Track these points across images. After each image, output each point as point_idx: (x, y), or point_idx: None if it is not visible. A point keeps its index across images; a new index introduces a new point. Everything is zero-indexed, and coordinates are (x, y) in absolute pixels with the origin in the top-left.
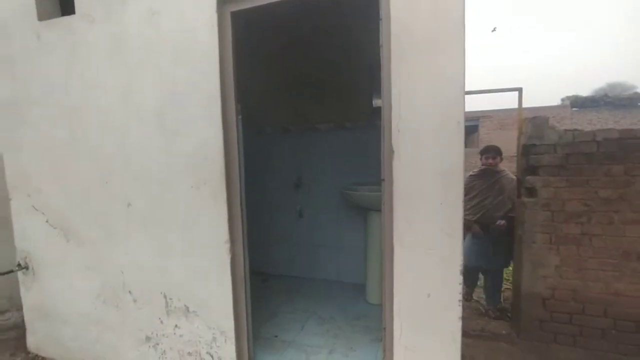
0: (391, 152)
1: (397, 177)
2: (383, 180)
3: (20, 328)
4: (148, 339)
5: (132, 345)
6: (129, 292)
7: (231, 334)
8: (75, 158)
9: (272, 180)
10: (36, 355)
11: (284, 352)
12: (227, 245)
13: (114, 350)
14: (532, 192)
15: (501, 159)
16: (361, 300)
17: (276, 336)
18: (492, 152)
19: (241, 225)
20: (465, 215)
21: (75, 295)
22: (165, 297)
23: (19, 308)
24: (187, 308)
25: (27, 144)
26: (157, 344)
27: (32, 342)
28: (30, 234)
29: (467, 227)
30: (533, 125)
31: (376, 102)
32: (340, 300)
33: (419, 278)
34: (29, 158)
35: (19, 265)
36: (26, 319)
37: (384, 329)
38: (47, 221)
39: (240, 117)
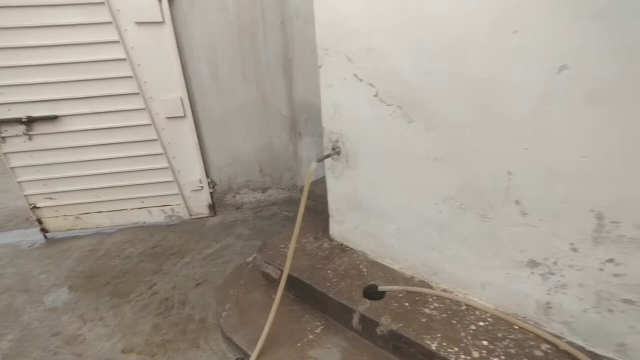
0: None
1: None
2: None
3: (278, 204)
4: (533, 263)
5: (496, 264)
6: (516, 201)
7: None
8: None
9: None
10: (341, 245)
11: None
12: None
13: (459, 264)
14: None
15: None
16: None
17: None
18: None
19: None
20: None
21: (409, 193)
22: (599, 217)
23: (280, 186)
24: None
25: None
26: (551, 274)
27: (338, 230)
28: (347, 113)
29: None
30: None
31: None
32: None
33: None
34: None
35: (333, 149)
36: (331, 207)
37: None
38: (376, 95)
39: None
